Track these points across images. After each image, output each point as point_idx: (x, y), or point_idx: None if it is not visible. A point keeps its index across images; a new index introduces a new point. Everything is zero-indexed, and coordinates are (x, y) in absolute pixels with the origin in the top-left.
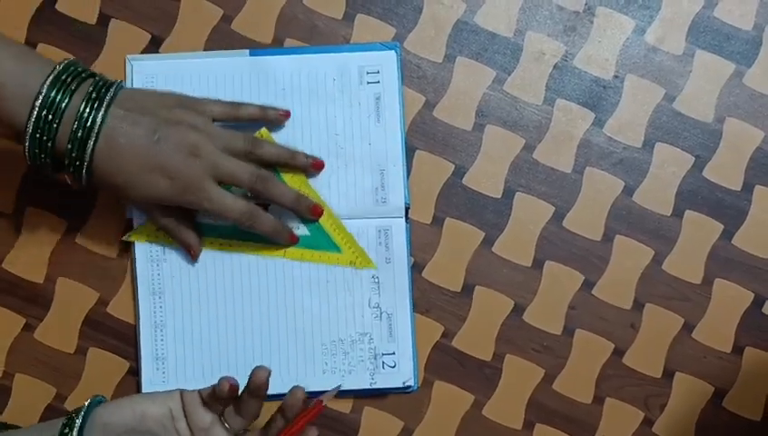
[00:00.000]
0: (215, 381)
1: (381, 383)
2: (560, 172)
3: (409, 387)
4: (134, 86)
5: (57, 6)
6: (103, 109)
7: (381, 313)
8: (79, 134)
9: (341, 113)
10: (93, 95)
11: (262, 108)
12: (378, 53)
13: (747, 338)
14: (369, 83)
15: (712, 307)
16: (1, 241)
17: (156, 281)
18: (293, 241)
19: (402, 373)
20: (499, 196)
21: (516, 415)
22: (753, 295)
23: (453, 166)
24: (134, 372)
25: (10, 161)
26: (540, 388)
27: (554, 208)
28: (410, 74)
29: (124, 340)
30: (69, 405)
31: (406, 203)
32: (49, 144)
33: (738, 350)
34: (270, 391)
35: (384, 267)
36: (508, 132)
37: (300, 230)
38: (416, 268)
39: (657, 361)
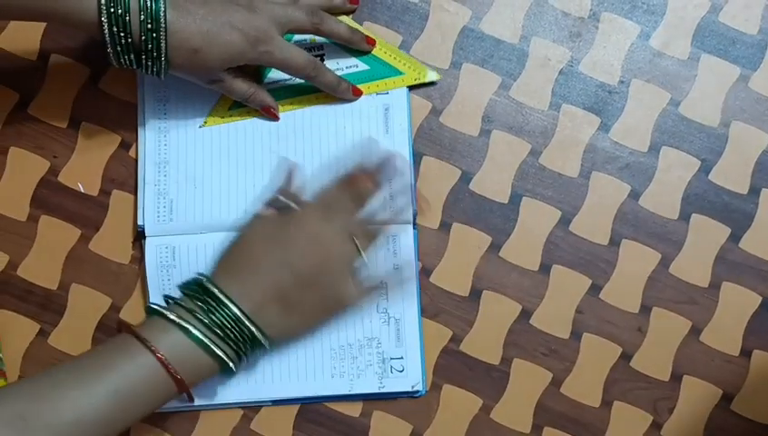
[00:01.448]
0: (225, 386)
1: (390, 387)
2: (566, 176)
3: (417, 391)
4: (146, 99)
5: None
6: None
7: (389, 318)
8: (149, 3)
9: (350, 123)
10: None
11: (351, 30)
12: None
13: (755, 341)
14: (377, 94)
15: (719, 310)
16: (15, 248)
17: (167, 287)
18: (357, 93)
19: (410, 378)
20: (506, 201)
21: (525, 419)
22: (760, 298)
23: (460, 172)
24: None
25: (24, 168)
26: (548, 392)
27: (560, 213)
28: None
29: None
30: None
31: (414, 211)
32: (122, 26)
33: (746, 353)
34: (280, 396)
35: (392, 273)
36: (515, 137)
37: (360, 66)
38: (424, 273)
39: (665, 365)
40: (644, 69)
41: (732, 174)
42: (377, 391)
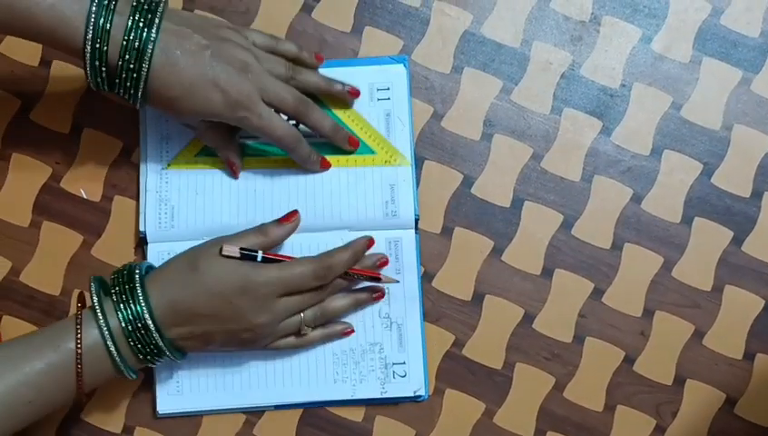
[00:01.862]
0: (228, 392)
1: (392, 393)
2: (568, 180)
3: (420, 396)
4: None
5: None
6: (157, 21)
7: (392, 324)
8: (136, 45)
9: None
10: (146, 7)
11: (299, 47)
12: (387, 67)
13: (758, 344)
14: (379, 99)
15: (722, 314)
16: (18, 254)
17: None
18: (325, 166)
19: (413, 383)
20: (508, 205)
21: (528, 423)
22: (763, 302)
23: (462, 176)
24: (150, 383)
25: (26, 174)
26: (551, 396)
27: (562, 216)
28: (418, 85)
29: None
30: (85, 417)
31: (416, 216)
32: (104, 60)
33: (749, 356)
34: (283, 401)
35: (394, 278)
36: (516, 141)
37: None
38: (426, 277)
39: (668, 369)
40: (645, 72)
41: (734, 178)
42: (379, 396)
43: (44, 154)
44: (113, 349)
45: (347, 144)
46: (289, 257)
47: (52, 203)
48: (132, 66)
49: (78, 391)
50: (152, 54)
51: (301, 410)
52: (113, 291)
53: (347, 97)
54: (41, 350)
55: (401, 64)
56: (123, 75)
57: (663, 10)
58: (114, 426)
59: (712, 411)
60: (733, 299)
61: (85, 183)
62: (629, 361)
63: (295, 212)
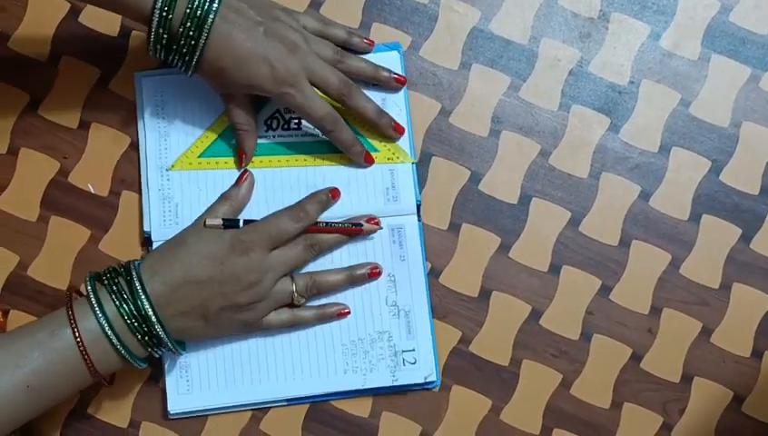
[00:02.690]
0: (239, 388)
1: (403, 380)
2: (576, 177)
3: (432, 382)
4: (144, 104)
5: None
6: None
7: (399, 311)
8: (198, 13)
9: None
10: None
11: (349, 32)
12: (381, 54)
13: (766, 342)
14: (374, 85)
15: (730, 311)
16: (26, 249)
17: None
18: (369, 160)
19: (423, 369)
20: (515, 202)
21: (534, 420)
22: None
23: (469, 172)
24: (156, 379)
25: (34, 168)
26: (558, 393)
27: (570, 213)
28: (426, 81)
29: None
30: (92, 410)
31: (417, 201)
32: (168, 27)
33: (757, 354)
34: (293, 394)
35: (399, 265)
36: (524, 138)
37: None
38: (433, 273)
39: (675, 366)
40: (654, 69)
41: (742, 175)
42: (390, 384)
43: (53, 149)
44: (114, 339)
45: (391, 130)
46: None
47: (60, 198)
48: (191, 34)
49: (93, 377)
50: (211, 24)
51: (307, 405)
52: (106, 282)
53: (392, 84)
54: (40, 339)
55: (395, 51)
56: (182, 42)
57: (671, 7)
58: (121, 421)
59: (719, 408)
60: (741, 296)
61: (93, 178)
62: (636, 358)
63: (245, 171)
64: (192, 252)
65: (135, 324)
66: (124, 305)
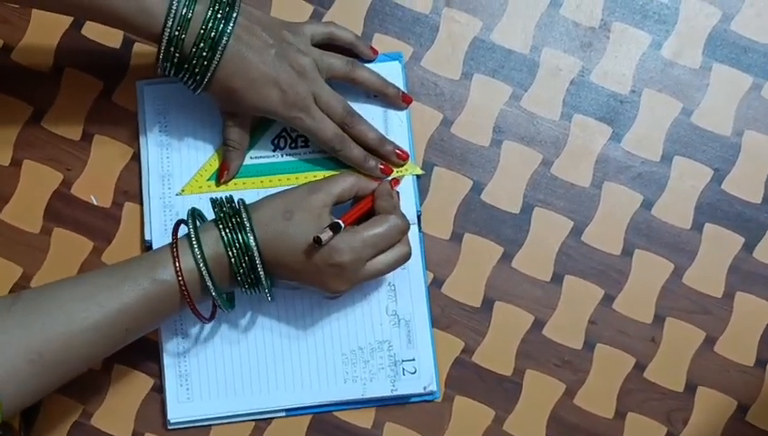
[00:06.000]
0: (239, 397)
1: (402, 390)
2: (578, 186)
3: (431, 393)
4: (146, 112)
5: None
6: (234, 15)
7: (399, 321)
8: (212, 35)
9: None
10: (225, 0)
11: (357, 37)
12: (382, 65)
13: None
14: (375, 96)
15: (733, 320)
16: (29, 260)
17: None
18: (387, 172)
19: (423, 379)
20: (518, 211)
21: (538, 430)
22: None
23: (471, 182)
24: (158, 389)
25: (37, 180)
26: (561, 403)
27: (572, 223)
28: (428, 91)
29: (148, 356)
30: (95, 421)
31: (417, 211)
32: (180, 46)
33: (761, 363)
34: (294, 404)
35: (400, 274)
36: (526, 147)
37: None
38: (435, 283)
39: (679, 376)
40: (655, 78)
41: (745, 184)
42: (389, 394)
43: (56, 161)
44: (208, 281)
45: (394, 157)
46: (365, 203)
47: (63, 210)
48: (204, 54)
49: (192, 310)
50: (225, 45)
51: (310, 416)
52: (220, 223)
53: (399, 102)
54: (137, 280)
55: (396, 61)
56: (194, 62)
57: (672, 16)
58: (124, 431)
59: (723, 418)
60: (744, 305)
61: (96, 189)
62: (640, 367)
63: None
64: (293, 237)
65: (240, 261)
66: (233, 240)
